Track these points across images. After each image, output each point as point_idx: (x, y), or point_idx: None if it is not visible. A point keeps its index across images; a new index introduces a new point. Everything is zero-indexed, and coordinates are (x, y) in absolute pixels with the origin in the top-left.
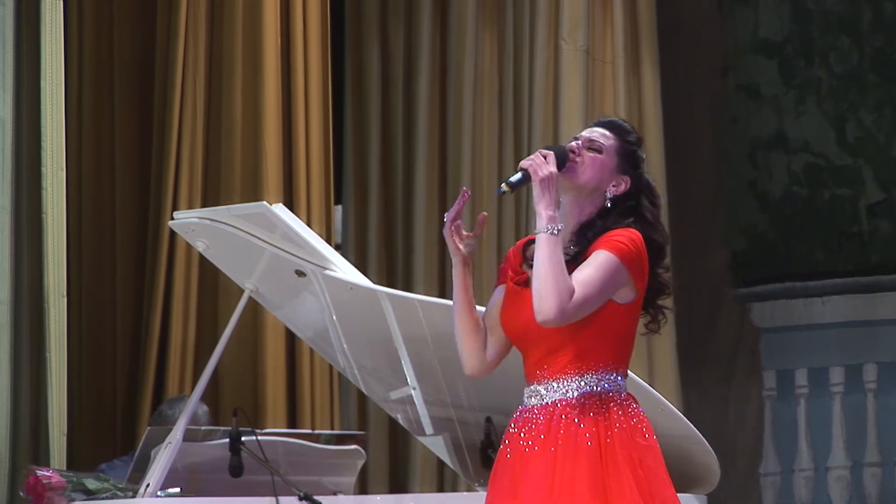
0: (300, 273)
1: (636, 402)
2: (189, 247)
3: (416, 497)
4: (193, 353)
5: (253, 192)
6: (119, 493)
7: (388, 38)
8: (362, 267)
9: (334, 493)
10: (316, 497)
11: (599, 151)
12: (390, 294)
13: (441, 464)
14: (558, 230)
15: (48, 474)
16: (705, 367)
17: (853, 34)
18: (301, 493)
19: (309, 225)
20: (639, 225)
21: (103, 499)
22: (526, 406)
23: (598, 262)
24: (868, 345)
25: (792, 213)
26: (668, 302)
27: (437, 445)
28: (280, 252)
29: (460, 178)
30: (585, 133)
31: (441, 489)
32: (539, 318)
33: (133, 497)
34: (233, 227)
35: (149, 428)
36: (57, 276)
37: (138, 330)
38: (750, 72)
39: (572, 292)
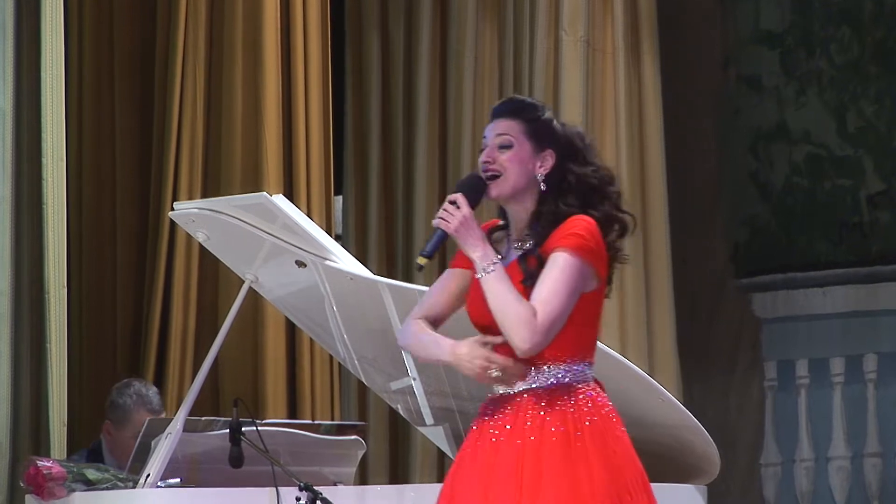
0: (300, 264)
1: (603, 390)
2: (189, 237)
3: (416, 487)
4: (194, 344)
5: (253, 183)
6: (119, 483)
7: (388, 28)
8: (362, 257)
9: (334, 484)
10: (316, 487)
11: (510, 146)
12: (390, 284)
13: (441, 454)
14: (494, 265)
15: (48, 465)
16: (706, 357)
17: (854, 25)
18: (301, 484)
19: (309, 215)
20: (576, 197)
21: (104, 489)
22: (494, 395)
23: (559, 268)
24: (869, 335)
25: (793, 204)
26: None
27: (437, 436)
28: (280, 242)
29: (460, 168)
30: (488, 134)
31: (441, 480)
32: (518, 353)
33: (133, 487)
34: (233, 217)
35: (148, 418)
36: (57, 267)
37: (139, 320)
38: (751, 63)
39: (535, 314)
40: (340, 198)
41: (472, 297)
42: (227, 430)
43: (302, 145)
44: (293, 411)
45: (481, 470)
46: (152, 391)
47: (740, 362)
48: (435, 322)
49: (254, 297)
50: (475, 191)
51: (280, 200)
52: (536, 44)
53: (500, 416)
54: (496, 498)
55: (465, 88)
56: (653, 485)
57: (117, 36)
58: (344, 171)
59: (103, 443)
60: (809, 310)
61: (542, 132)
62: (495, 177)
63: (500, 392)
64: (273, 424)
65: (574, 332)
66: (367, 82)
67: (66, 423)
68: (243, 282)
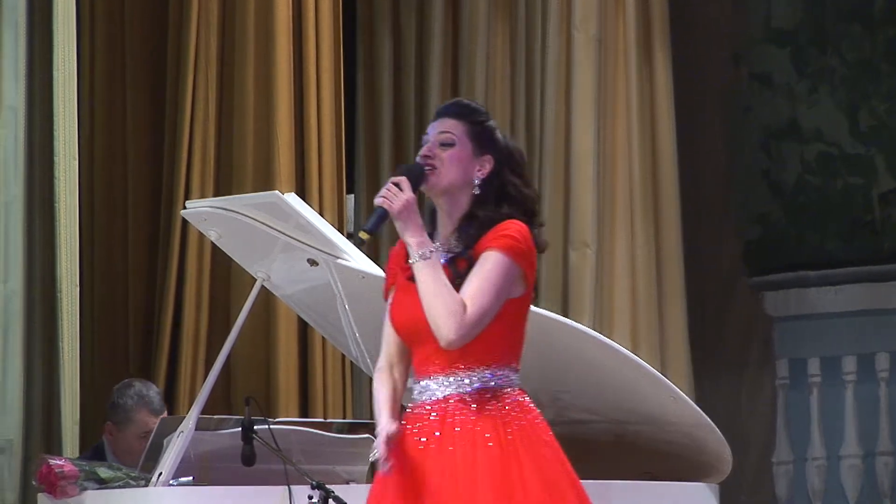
0: (312, 262)
1: (528, 397)
2: (201, 236)
3: None
4: (206, 342)
5: (265, 182)
6: (132, 481)
7: (400, 26)
8: (374, 256)
9: (347, 482)
10: (328, 486)
11: (452, 144)
12: None
13: None
14: (431, 253)
15: (61, 463)
16: (718, 355)
17: (866, 22)
18: (313, 482)
19: (321, 214)
20: (510, 206)
21: (116, 487)
22: (416, 402)
23: (489, 266)
24: (880, 334)
25: (805, 202)
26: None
27: None
28: (292, 241)
29: None
30: (431, 131)
31: None
32: (442, 343)
33: (145, 486)
34: (245, 216)
35: (161, 417)
36: (69, 266)
37: (151, 319)
38: (762, 60)
39: (465, 307)
40: (352, 196)
41: (395, 302)
42: (240, 429)
43: (314, 144)
44: (305, 410)
45: (411, 479)
46: (153, 391)
47: (752, 361)
48: (402, 356)
49: (266, 296)
50: (417, 178)
51: (292, 199)
52: (548, 41)
53: (426, 422)
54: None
55: (477, 86)
56: (665, 483)
57: (129, 34)
58: (356, 170)
59: (105, 444)
60: (821, 308)
61: (484, 137)
62: (433, 168)
63: (422, 400)
64: (285, 423)
65: (500, 336)
66: (379, 80)
67: (78, 421)
68: (255, 280)
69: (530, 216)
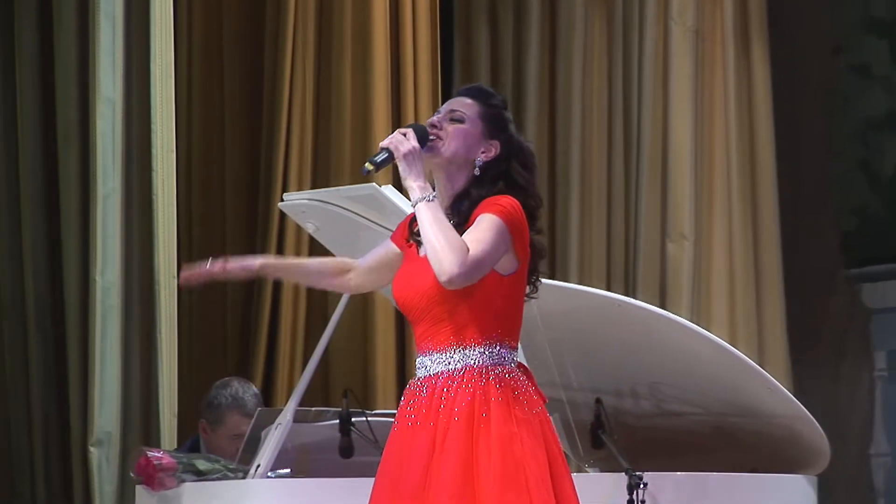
0: None
1: (527, 376)
2: (299, 228)
3: None
4: (304, 334)
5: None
6: (230, 473)
7: (497, 18)
8: None
9: None
10: None
11: (462, 121)
12: None
13: None
14: (433, 196)
15: (159, 455)
16: (816, 347)
17: None
18: None
19: None
20: (511, 190)
21: (214, 479)
22: (414, 379)
23: (484, 224)
24: None
25: None
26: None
27: None
28: (389, 233)
29: (570, 159)
30: (446, 105)
31: None
32: (443, 278)
33: (244, 478)
34: (342, 208)
35: (259, 409)
36: (167, 258)
37: (248, 311)
38: (861, 51)
39: (467, 248)
40: None
41: (399, 274)
42: (337, 421)
43: None
44: None
45: (398, 455)
46: (249, 393)
47: (850, 352)
48: (365, 274)
49: None
50: (422, 138)
51: (389, 191)
52: (646, 33)
53: (417, 399)
54: (405, 480)
55: (574, 80)
56: (764, 475)
57: (226, 27)
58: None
59: (202, 441)
60: None
61: (496, 122)
62: (437, 138)
63: (417, 377)
64: (383, 415)
65: (493, 314)
66: (476, 73)
67: (176, 413)
68: None
69: (531, 213)
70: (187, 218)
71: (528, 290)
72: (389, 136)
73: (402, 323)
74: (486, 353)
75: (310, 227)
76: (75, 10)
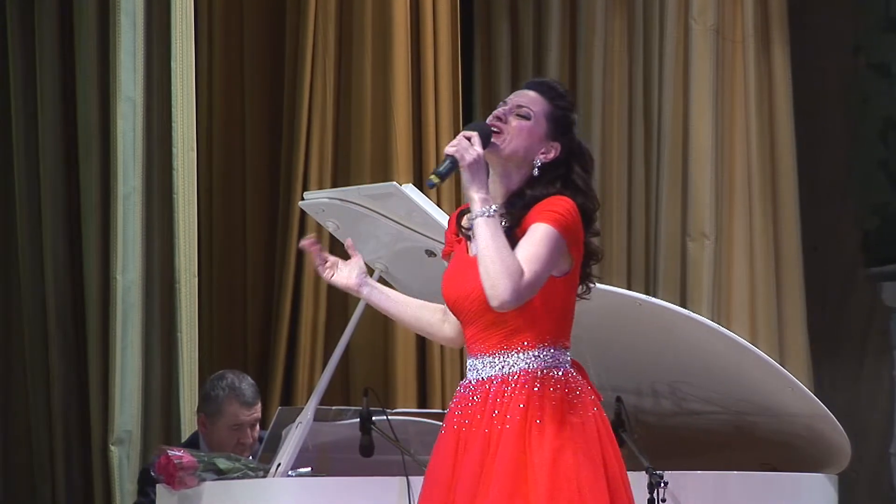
0: (430, 253)
1: (581, 374)
2: (320, 227)
3: None
4: (324, 333)
5: (383, 172)
6: (250, 472)
7: (517, 16)
8: None
9: None
10: None
11: (527, 118)
12: None
13: None
14: (493, 211)
15: (179, 454)
16: (837, 346)
17: None
18: None
19: (439, 205)
20: (569, 192)
21: (234, 478)
22: (464, 381)
23: (539, 236)
24: None
25: None
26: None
27: None
28: (410, 232)
29: None
30: (513, 97)
31: None
32: (494, 303)
33: (264, 476)
34: (363, 207)
35: (279, 408)
36: (188, 257)
37: (269, 310)
38: (881, 50)
39: (522, 272)
40: None
41: (449, 273)
42: (358, 420)
43: (431, 134)
44: (423, 400)
45: (451, 459)
46: (246, 383)
47: (870, 351)
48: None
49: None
50: (484, 139)
51: (410, 189)
52: (666, 32)
53: (470, 405)
54: (460, 487)
55: (595, 78)
56: (784, 474)
57: (247, 25)
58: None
59: (200, 437)
60: None
61: (562, 124)
62: (499, 132)
63: (468, 380)
64: (403, 414)
65: (549, 317)
66: (497, 72)
67: (196, 412)
68: (373, 271)
69: (589, 216)
70: (208, 217)
71: (580, 290)
72: (454, 142)
73: None
74: (541, 356)
75: (330, 226)
76: (96, 10)
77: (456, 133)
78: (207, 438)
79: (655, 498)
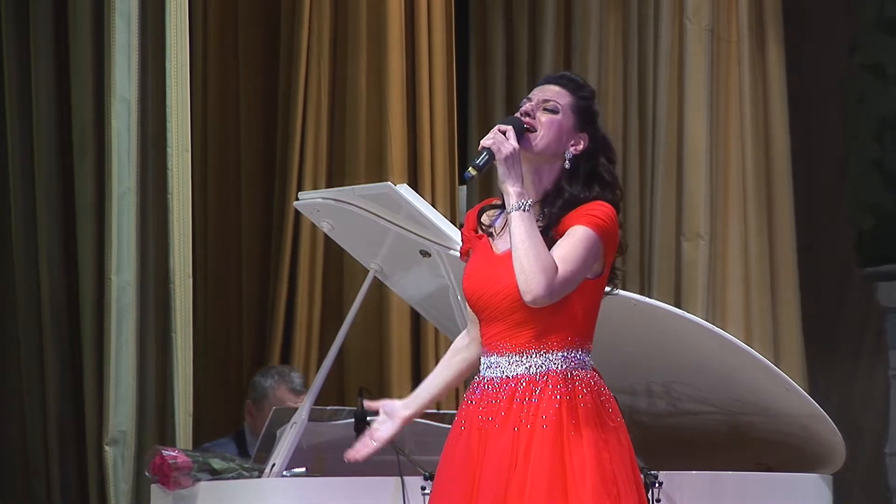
0: (425, 253)
1: (601, 378)
2: (314, 227)
3: None
4: (319, 334)
5: (378, 173)
6: (245, 472)
7: (512, 18)
8: None
9: None
10: None
11: (555, 112)
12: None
13: None
14: (529, 205)
15: (174, 454)
16: (831, 346)
17: None
18: (426, 473)
19: (433, 205)
20: (600, 187)
21: (229, 478)
22: (484, 377)
23: (578, 237)
24: None
25: None
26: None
27: None
28: (405, 232)
29: None
30: (538, 92)
31: None
32: (528, 297)
33: (259, 477)
34: (357, 207)
35: (274, 408)
36: (182, 257)
37: (264, 310)
38: (876, 51)
39: (556, 269)
40: (465, 188)
41: (470, 269)
42: (353, 420)
43: (426, 135)
44: None
45: (476, 456)
46: (295, 373)
47: (865, 351)
48: (467, 340)
49: (378, 287)
50: (519, 133)
51: (405, 190)
52: (661, 33)
53: (494, 402)
54: (486, 485)
55: (590, 78)
56: (779, 474)
57: (242, 25)
58: (468, 161)
59: (246, 428)
60: None
61: (587, 115)
62: (530, 130)
63: (490, 376)
64: None
65: (575, 317)
66: (492, 73)
67: (191, 412)
68: (368, 271)
69: (616, 208)
70: (203, 217)
71: (608, 288)
72: (490, 134)
73: (417, 322)
74: (568, 357)
75: (325, 227)
76: (90, 9)
77: (450, 134)
78: (252, 426)
79: (650, 498)
